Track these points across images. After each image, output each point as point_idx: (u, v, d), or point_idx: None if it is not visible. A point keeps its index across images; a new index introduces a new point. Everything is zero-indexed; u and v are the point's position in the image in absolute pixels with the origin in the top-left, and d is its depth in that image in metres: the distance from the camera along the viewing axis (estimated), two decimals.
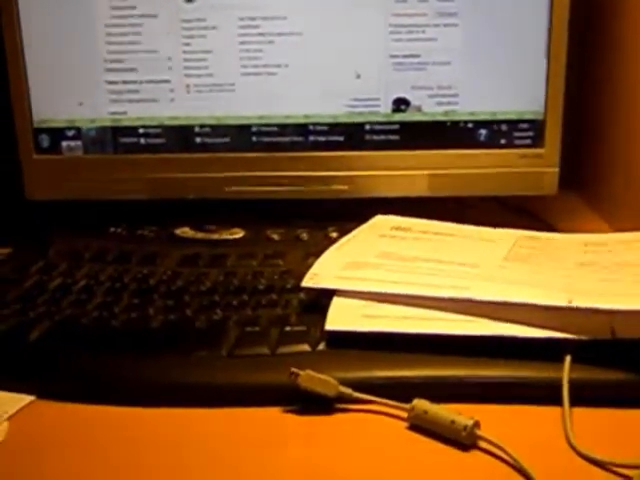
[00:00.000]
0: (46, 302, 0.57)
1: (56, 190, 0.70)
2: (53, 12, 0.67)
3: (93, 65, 0.68)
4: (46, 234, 0.69)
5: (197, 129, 0.69)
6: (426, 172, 0.68)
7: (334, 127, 0.68)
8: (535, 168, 0.67)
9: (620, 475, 0.41)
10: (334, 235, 0.65)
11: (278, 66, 0.67)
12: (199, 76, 0.67)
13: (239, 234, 0.68)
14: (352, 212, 0.67)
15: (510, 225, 0.65)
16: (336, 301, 0.53)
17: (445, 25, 0.65)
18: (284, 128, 0.68)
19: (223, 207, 0.69)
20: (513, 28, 0.65)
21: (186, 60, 0.67)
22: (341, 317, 0.51)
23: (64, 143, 0.69)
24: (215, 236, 0.67)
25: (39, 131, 0.69)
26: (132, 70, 0.68)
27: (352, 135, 0.68)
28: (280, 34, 0.66)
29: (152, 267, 0.62)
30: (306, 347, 0.51)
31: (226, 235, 0.67)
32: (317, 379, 0.47)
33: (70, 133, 0.69)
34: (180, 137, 0.69)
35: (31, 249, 0.67)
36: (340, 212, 0.68)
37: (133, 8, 0.66)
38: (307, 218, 0.69)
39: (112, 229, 0.69)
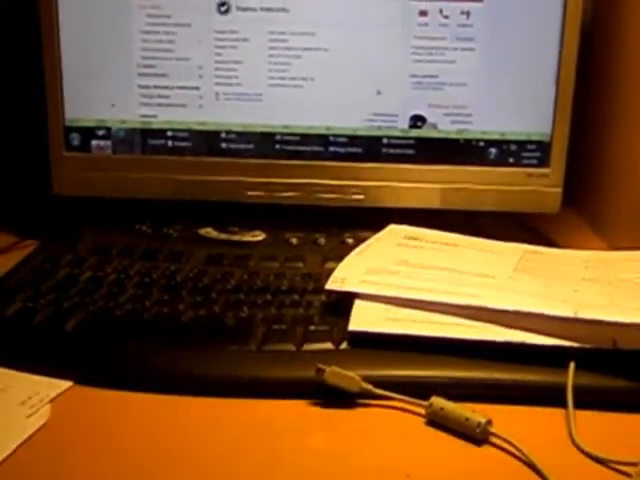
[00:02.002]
0: (79, 293, 0.60)
1: (83, 187, 0.72)
2: (91, 17, 0.70)
3: (127, 69, 0.70)
4: (73, 229, 0.72)
5: (223, 135, 0.72)
6: (438, 186, 0.71)
7: (353, 139, 0.71)
8: (540, 187, 0.71)
9: (619, 472, 0.45)
10: (350, 241, 0.69)
11: (304, 79, 0.70)
12: (228, 85, 0.70)
13: (260, 236, 0.71)
14: (366, 220, 0.71)
15: (512, 239, 0.68)
16: (358, 304, 0.56)
17: (463, 49, 0.69)
18: (306, 138, 0.71)
19: (245, 210, 0.72)
20: (526, 55, 0.69)
21: (216, 69, 0.70)
22: (364, 319, 0.55)
23: (94, 142, 0.72)
24: (237, 237, 0.70)
25: (70, 129, 0.72)
26: (164, 76, 0.71)
27: (370, 148, 0.71)
28: (307, 49, 0.69)
29: (178, 264, 0.65)
30: (329, 345, 0.54)
31: (248, 237, 0.70)
32: (342, 375, 0.50)
33: (100, 133, 0.72)
34: (206, 142, 0.72)
35: (59, 243, 0.69)
36: (355, 220, 0.72)
37: (168, 17, 0.69)
38: (324, 224, 0.72)
39: (138, 226, 0.72)
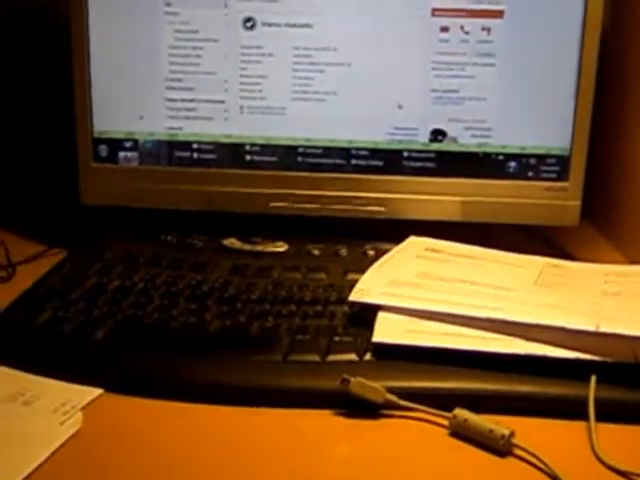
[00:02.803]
0: (107, 302, 0.61)
1: (111, 197, 0.74)
2: (120, 32, 0.71)
3: (155, 83, 0.72)
4: (101, 238, 0.73)
5: (247, 147, 0.73)
6: (458, 199, 0.72)
7: (375, 152, 0.72)
8: (559, 201, 0.72)
9: None
10: (371, 253, 0.70)
11: (327, 93, 0.71)
12: (253, 99, 0.72)
13: (283, 247, 0.72)
14: (387, 232, 0.72)
15: (531, 252, 0.69)
16: (381, 316, 0.57)
17: (483, 64, 0.70)
18: (328, 151, 0.73)
19: (268, 221, 0.73)
20: (545, 70, 0.70)
21: (242, 83, 0.72)
22: (387, 331, 0.56)
23: (121, 154, 0.73)
24: (260, 248, 0.71)
25: (99, 141, 0.73)
26: (191, 89, 0.72)
27: (391, 161, 0.72)
28: (330, 64, 0.71)
29: (204, 275, 0.66)
30: (353, 356, 0.55)
31: (270, 248, 0.72)
32: (366, 386, 0.51)
33: (128, 144, 0.73)
34: (231, 154, 0.73)
35: (87, 252, 0.71)
36: (376, 231, 0.73)
37: (196, 32, 0.71)
38: (345, 236, 0.73)
39: (163, 237, 0.73)
